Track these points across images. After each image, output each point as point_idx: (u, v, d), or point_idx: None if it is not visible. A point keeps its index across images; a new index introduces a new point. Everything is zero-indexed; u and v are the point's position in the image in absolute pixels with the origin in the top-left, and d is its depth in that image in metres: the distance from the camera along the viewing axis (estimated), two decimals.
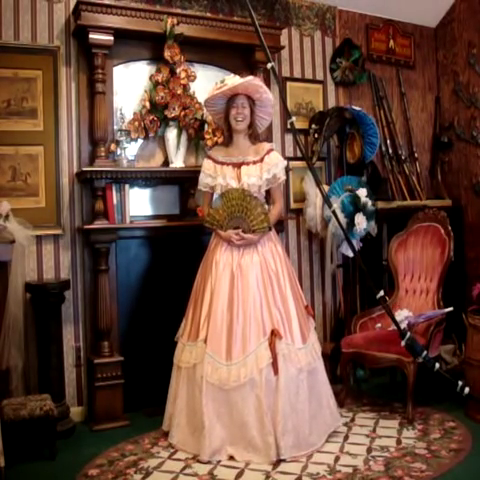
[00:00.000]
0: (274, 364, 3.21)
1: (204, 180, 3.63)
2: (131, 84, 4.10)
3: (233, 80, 3.53)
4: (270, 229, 3.52)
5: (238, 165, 3.55)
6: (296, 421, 3.22)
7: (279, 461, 3.12)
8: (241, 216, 3.46)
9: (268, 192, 3.63)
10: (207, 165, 3.63)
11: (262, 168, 3.52)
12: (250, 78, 3.56)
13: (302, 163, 4.53)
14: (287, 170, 3.84)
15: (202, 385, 3.23)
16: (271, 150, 3.59)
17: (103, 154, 3.85)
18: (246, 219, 3.45)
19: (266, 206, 3.60)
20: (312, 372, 3.38)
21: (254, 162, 3.54)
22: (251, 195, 3.47)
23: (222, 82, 3.55)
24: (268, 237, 3.54)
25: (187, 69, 4.07)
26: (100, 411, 3.75)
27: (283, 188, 3.94)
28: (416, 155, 5.34)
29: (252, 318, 3.30)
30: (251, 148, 3.60)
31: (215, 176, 3.56)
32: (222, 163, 3.58)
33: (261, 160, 3.54)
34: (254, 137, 3.63)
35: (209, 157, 3.67)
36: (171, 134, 4.06)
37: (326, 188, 4.33)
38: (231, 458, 3.18)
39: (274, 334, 3.27)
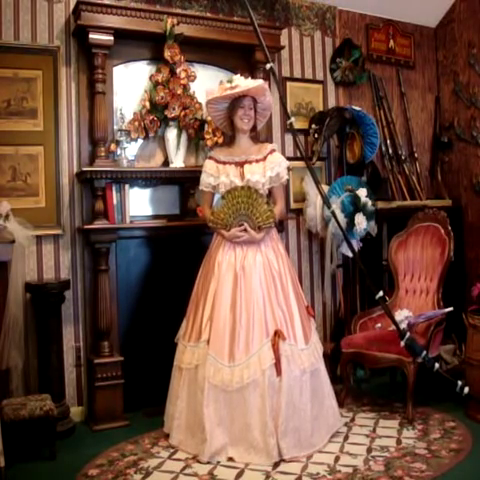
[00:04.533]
0: (277, 365, 3.19)
1: (206, 180, 3.61)
2: (131, 84, 4.10)
3: (245, 82, 3.53)
4: (275, 224, 3.52)
5: (241, 164, 3.55)
6: (298, 422, 3.21)
7: (279, 461, 3.12)
8: (246, 213, 3.45)
9: (269, 192, 3.62)
10: (209, 165, 3.62)
11: (265, 166, 3.52)
12: (261, 81, 3.61)
13: (302, 163, 4.52)
14: (287, 170, 3.83)
15: (204, 386, 3.21)
16: (274, 150, 3.61)
17: (103, 154, 3.85)
18: (252, 216, 3.44)
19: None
20: (315, 373, 3.37)
21: (257, 160, 3.54)
22: (257, 192, 3.46)
23: (229, 81, 3.55)
24: (270, 236, 3.53)
25: (187, 69, 4.07)
26: (100, 411, 3.75)
27: (284, 189, 3.94)
28: (416, 155, 5.34)
29: (255, 319, 3.29)
30: (253, 147, 3.61)
31: (218, 175, 3.55)
32: (224, 163, 3.58)
33: (264, 159, 3.55)
34: (256, 138, 3.67)
35: (211, 157, 3.66)
36: (171, 134, 4.06)
37: (326, 188, 4.33)
38: (231, 459, 3.17)
39: (277, 335, 3.25)
